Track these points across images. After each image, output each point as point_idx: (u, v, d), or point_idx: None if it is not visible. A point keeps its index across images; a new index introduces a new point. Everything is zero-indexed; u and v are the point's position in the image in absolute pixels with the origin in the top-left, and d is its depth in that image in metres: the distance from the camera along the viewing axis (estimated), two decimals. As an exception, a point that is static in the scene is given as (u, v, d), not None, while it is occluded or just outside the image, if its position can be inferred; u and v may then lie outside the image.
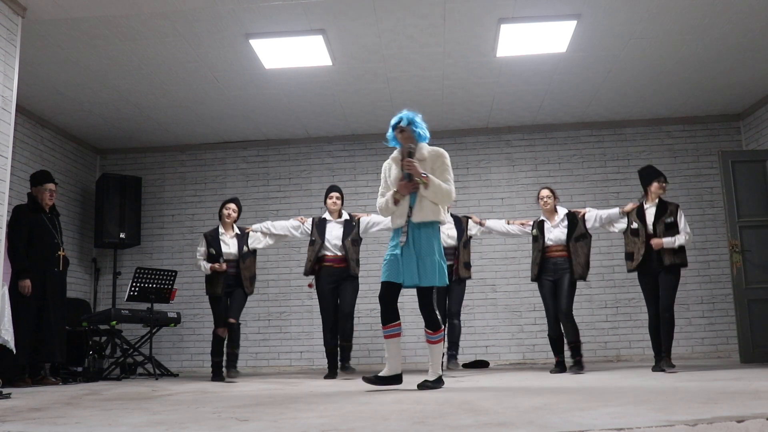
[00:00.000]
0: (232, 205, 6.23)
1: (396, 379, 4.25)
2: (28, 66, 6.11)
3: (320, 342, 7.95)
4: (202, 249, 6.10)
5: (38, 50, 5.90)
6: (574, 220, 5.99)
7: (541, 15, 5.57)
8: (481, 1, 5.33)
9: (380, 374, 4.26)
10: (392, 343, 4.24)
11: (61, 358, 5.88)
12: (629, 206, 5.99)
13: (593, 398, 3.28)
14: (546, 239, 5.99)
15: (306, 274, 6.11)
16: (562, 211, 6.07)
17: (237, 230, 6.21)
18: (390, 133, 4.33)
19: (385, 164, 4.42)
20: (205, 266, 6.01)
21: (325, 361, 7.84)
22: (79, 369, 6.46)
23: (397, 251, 4.15)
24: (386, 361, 4.29)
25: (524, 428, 2.27)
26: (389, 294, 4.23)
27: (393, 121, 4.30)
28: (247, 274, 6.13)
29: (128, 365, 7.03)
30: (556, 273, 5.92)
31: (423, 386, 4.18)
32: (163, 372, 7.11)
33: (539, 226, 6.08)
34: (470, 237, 6.24)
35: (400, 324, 4.26)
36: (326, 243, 6.06)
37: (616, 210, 6.05)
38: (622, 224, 5.99)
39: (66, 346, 6.03)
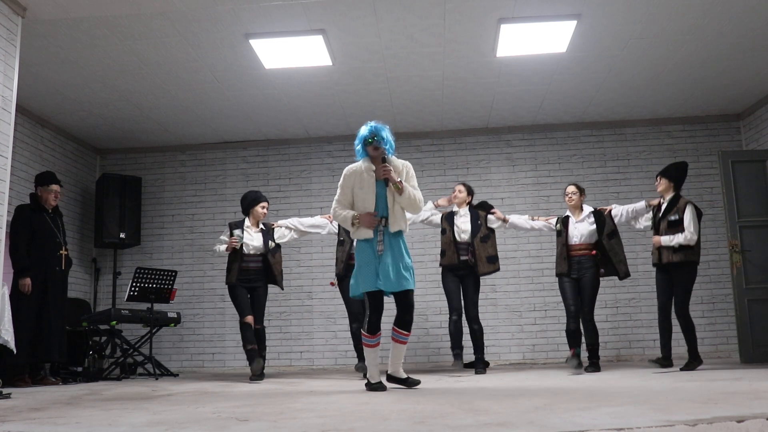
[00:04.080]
0: (266, 204, 6.19)
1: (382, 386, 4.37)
2: (28, 66, 6.11)
3: (321, 342, 7.99)
4: (223, 238, 6.09)
5: (38, 50, 5.90)
6: (601, 217, 6.01)
7: (541, 15, 5.57)
8: (481, 1, 5.33)
9: (375, 381, 4.34)
10: (376, 351, 4.37)
11: (61, 357, 5.88)
12: (655, 200, 6.04)
13: (593, 398, 3.28)
14: (570, 235, 6.00)
15: (339, 274, 6.09)
16: (587, 209, 6.10)
17: (262, 225, 6.19)
18: (359, 146, 4.40)
19: (350, 172, 4.40)
20: (220, 247, 6.01)
21: (325, 360, 7.92)
22: (79, 369, 6.46)
23: (374, 260, 4.27)
24: (371, 369, 4.38)
25: (524, 428, 2.27)
26: (380, 303, 4.36)
27: (364, 134, 4.35)
28: (279, 268, 6.14)
29: (128, 365, 7.02)
30: (580, 271, 5.95)
31: (413, 383, 4.39)
32: (163, 372, 7.11)
33: (564, 221, 6.11)
34: (492, 230, 6.23)
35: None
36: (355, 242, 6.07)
37: (642, 203, 6.10)
38: (649, 220, 6.03)
39: (66, 346, 6.03)
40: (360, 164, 4.41)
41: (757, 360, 6.45)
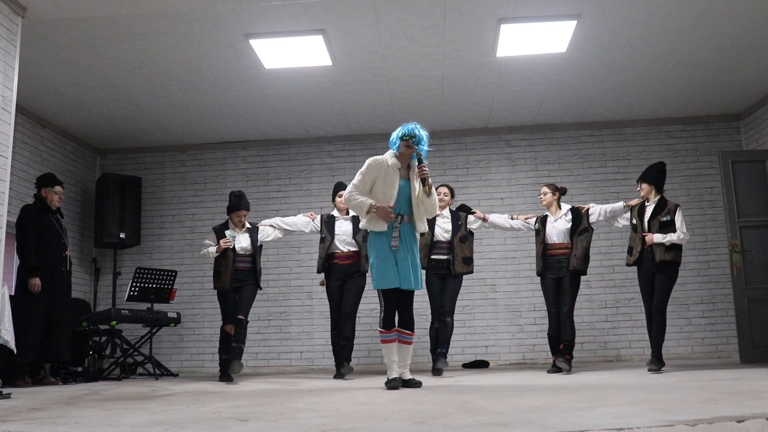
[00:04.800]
0: (246, 213, 6.14)
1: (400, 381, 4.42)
2: (28, 66, 6.11)
3: (321, 342, 7.98)
4: (208, 242, 6.06)
5: (38, 50, 5.90)
6: (578, 215, 5.99)
7: (541, 15, 5.57)
8: (481, 1, 5.33)
9: (392, 377, 4.36)
10: (394, 347, 4.40)
11: (68, 357, 5.94)
12: (634, 201, 6.01)
13: (593, 398, 3.28)
14: (548, 234, 6.00)
15: (319, 271, 6.15)
16: (565, 207, 6.08)
17: (247, 224, 6.18)
18: (396, 138, 4.43)
19: (376, 163, 4.42)
20: (211, 250, 5.97)
21: (325, 360, 7.91)
22: (79, 369, 6.46)
23: (391, 254, 4.32)
24: (390, 364, 4.40)
25: (524, 428, 2.27)
26: (396, 299, 4.40)
27: (404, 132, 4.38)
28: (258, 267, 6.12)
29: (128, 365, 7.02)
30: (560, 271, 5.93)
31: (415, 384, 4.39)
32: (163, 372, 7.11)
33: (542, 220, 6.10)
34: (471, 232, 6.21)
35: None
36: (336, 240, 6.07)
37: (620, 204, 6.06)
38: (626, 219, 6.01)
39: (70, 345, 6.05)
40: (386, 158, 4.42)
41: (757, 360, 6.45)
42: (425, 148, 4.42)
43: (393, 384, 4.31)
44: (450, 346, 6.08)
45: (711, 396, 3.19)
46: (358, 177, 4.43)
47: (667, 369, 5.75)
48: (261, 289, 6.27)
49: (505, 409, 2.86)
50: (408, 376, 4.45)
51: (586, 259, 5.91)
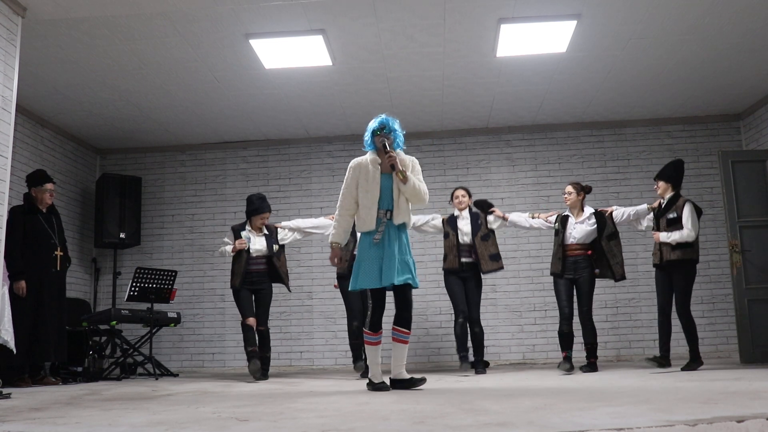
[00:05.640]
0: (267, 215, 6.21)
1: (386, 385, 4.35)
2: (28, 66, 6.11)
3: (320, 342, 7.99)
4: (227, 240, 6.19)
5: (38, 50, 5.90)
6: (602, 219, 6.00)
7: (541, 15, 5.57)
8: (481, 1, 5.33)
9: (378, 381, 4.32)
10: (378, 350, 4.35)
11: (57, 358, 5.88)
12: (655, 203, 6.04)
13: (593, 398, 3.28)
14: (567, 235, 6.00)
15: (342, 274, 6.13)
16: (588, 210, 6.08)
17: (265, 230, 6.20)
18: (369, 137, 4.42)
19: (356, 164, 4.40)
20: (227, 249, 6.09)
21: (325, 360, 7.92)
22: (79, 369, 6.46)
23: (375, 253, 4.24)
24: (372, 366, 4.36)
25: (524, 428, 2.27)
26: (383, 300, 4.35)
27: (374, 126, 4.39)
28: (284, 270, 6.19)
29: (128, 365, 7.02)
30: (576, 271, 5.95)
31: (417, 382, 4.35)
32: (163, 372, 7.11)
33: (563, 220, 6.10)
34: (492, 231, 6.23)
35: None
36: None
37: (644, 206, 6.10)
38: (650, 221, 6.03)
39: (66, 346, 6.02)
40: (366, 157, 4.41)
41: (757, 360, 6.45)
42: (398, 130, 4.37)
43: (380, 388, 4.24)
44: (486, 348, 6.29)
45: (711, 396, 3.19)
46: (342, 188, 4.40)
47: (666, 369, 5.75)
48: (290, 290, 6.68)
49: (505, 409, 2.86)
50: (406, 375, 4.34)
51: (623, 264, 5.98)
